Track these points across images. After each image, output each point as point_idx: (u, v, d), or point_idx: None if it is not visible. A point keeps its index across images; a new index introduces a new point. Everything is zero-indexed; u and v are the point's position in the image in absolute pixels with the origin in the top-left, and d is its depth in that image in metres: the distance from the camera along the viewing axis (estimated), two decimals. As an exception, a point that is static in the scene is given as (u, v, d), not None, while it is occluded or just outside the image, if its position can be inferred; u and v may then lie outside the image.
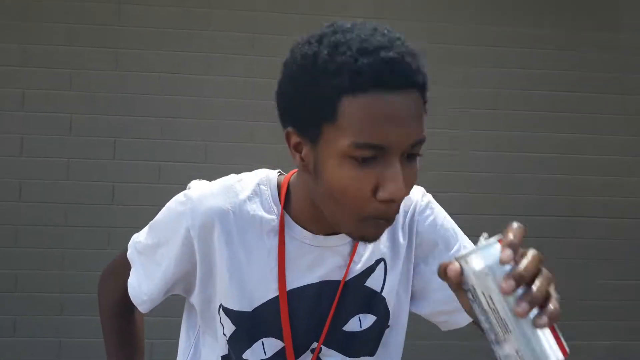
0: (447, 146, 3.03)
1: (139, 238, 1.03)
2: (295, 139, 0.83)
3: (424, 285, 1.02)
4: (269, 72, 2.90)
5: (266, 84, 2.90)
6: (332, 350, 0.96)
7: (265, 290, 0.93)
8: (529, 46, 3.09)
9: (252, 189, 0.94)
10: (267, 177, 0.96)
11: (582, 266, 3.12)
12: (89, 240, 2.84)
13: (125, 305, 1.10)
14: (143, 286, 1.01)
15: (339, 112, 0.75)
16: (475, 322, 0.72)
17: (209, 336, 1.00)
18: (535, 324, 0.64)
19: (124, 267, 1.06)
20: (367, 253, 0.97)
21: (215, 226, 0.91)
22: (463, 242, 1.02)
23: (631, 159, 3.14)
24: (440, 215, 1.03)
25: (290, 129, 0.83)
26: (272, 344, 0.94)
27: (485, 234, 0.71)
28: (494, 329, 0.67)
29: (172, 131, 2.88)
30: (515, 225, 0.68)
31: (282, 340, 0.93)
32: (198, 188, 0.95)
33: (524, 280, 0.64)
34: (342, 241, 0.94)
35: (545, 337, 0.64)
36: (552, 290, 0.66)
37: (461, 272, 0.68)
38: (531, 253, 0.66)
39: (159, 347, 2.61)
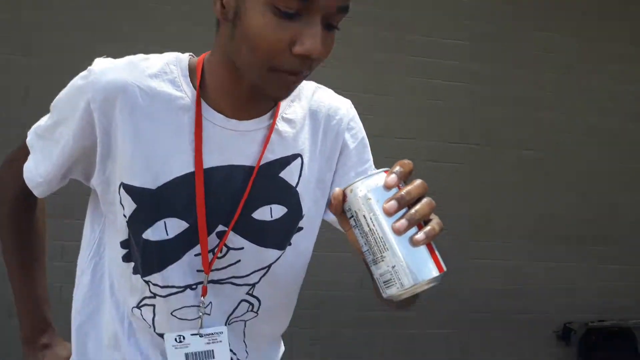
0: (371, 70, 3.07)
1: (40, 122, 0.99)
2: None
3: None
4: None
5: None
6: (238, 236, 0.94)
7: (170, 167, 0.90)
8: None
9: (160, 67, 0.91)
10: (176, 57, 0.93)
11: (492, 192, 3.35)
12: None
13: (25, 199, 1.05)
14: (40, 167, 0.97)
15: None
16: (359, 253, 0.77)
17: (112, 226, 0.96)
18: (412, 241, 0.68)
19: (23, 155, 1.00)
20: (282, 143, 0.97)
21: (118, 98, 0.87)
22: (368, 161, 1.06)
23: (544, 95, 3.32)
24: (363, 131, 1.07)
25: None
26: (175, 225, 0.91)
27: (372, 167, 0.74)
28: (372, 250, 0.70)
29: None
30: (405, 160, 0.73)
31: (186, 220, 0.90)
32: (101, 62, 0.91)
33: (405, 202, 0.69)
34: (255, 126, 0.94)
35: (422, 254, 0.68)
36: (433, 215, 0.71)
37: (344, 200, 0.72)
38: (417, 181, 0.71)
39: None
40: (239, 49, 0.82)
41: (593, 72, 3.36)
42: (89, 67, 0.90)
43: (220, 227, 0.93)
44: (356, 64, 3.05)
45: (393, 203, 0.68)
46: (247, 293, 1.00)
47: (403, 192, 0.69)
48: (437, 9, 3.13)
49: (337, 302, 3.11)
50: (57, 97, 0.94)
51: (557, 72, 3.33)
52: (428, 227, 0.69)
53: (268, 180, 0.95)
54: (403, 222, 0.68)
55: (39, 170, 0.97)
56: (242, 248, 0.96)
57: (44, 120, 0.97)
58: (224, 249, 0.95)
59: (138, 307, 0.97)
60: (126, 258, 0.96)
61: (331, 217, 1.07)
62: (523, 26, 3.26)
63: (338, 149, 1.03)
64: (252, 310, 1.01)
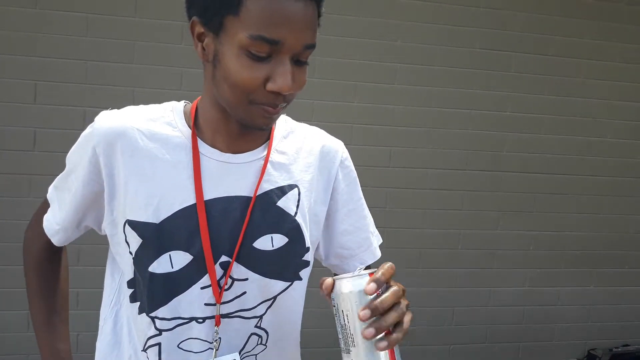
0: (370, 100, 3.09)
1: (58, 177, 1.05)
2: (199, 29, 0.90)
3: (330, 226, 1.10)
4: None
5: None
6: (241, 266, 0.96)
7: (172, 201, 0.94)
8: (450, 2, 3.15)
9: (157, 112, 0.99)
10: (172, 105, 1.02)
11: (499, 218, 3.31)
12: (10, 187, 2.74)
13: (49, 253, 1.11)
14: (57, 216, 1.03)
15: (242, 6, 0.83)
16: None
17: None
18: (376, 347, 0.75)
19: (45, 210, 1.07)
20: (278, 173, 1.01)
21: (119, 142, 0.94)
22: (359, 200, 1.13)
23: (549, 118, 3.31)
24: (354, 171, 1.13)
25: (195, 18, 0.89)
26: (180, 257, 0.93)
27: (361, 266, 0.86)
28: (343, 339, 0.79)
29: (98, 75, 2.78)
30: (387, 264, 0.79)
31: (189, 252, 0.93)
32: (105, 113, 0.99)
33: (377, 312, 0.75)
34: (250, 158, 0.99)
35: (382, 357, 0.77)
36: (405, 320, 0.78)
37: (332, 288, 0.80)
38: (392, 289, 0.77)
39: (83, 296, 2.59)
40: (220, 87, 0.90)
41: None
42: (95, 118, 0.98)
43: (224, 258, 0.96)
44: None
45: (367, 312, 0.74)
46: (256, 326, 1.00)
47: (377, 302, 0.75)
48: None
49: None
50: (71, 149, 1.01)
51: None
52: (393, 336, 0.76)
53: (266, 209, 0.98)
54: (371, 330, 0.74)
55: (55, 219, 1.03)
56: (247, 279, 0.97)
57: (60, 174, 1.04)
58: (229, 281, 0.96)
59: (144, 349, 0.97)
60: (132, 298, 0.98)
61: (321, 249, 1.13)
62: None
63: (331, 185, 1.07)
64: (261, 343, 1.01)
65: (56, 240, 1.05)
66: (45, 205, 1.07)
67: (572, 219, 3.38)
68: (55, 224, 1.04)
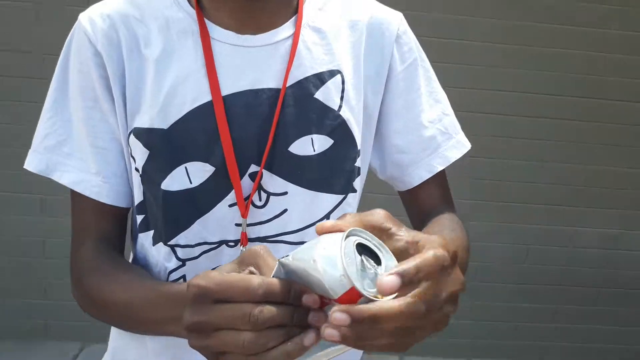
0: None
1: (38, 139, 0.82)
2: None
3: (383, 124, 0.87)
4: None
5: None
6: (276, 177, 0.77)
7: (182, 100, 0.76)
8: None
9: None
10: None
11: (591, 149, 2.95)
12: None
13: (105, 252, 0.81)
14: (91, 165, 0.79)
15: None
16: None
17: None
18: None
19: (76, 223, 0.82)
20: (313, 56, 0.80)
21: (118, 33, 0.77)
22: (421, 88, 0.87)
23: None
24: (417, 49, 0.90)
25: None
26: (199, 170, 0.75)
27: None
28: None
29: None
30: (429, 254, 0.50)
31: (210, 163, 0.75)
32: (87, 11, 0.80)
33: (405, 287, 0.47)
34: (274, 38, 0.78)
35: None
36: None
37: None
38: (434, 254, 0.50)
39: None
40: None
41: None
42: (78, 19, 0.80)
43: (253, 168, 0.77)
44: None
45: (394, 279, 0.46)
46: None
47: (412, 267, 0.49)
48: None
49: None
50: (51, 88, 0.81)
51: None
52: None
53: (301, 103, 0.78)
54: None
55: (91, 168, 0.80)
56: (286, 193, 0.77)
57: (42, 129, 0.82)
58: (264, 196, 0.76)
59: None
60: (144, 226, 0.79)
61: (373, 159, 0.90)
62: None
63: (385, 67, 0.86)
64: None
65: (105, 197, 0.80)
66: (74, 222, 0.82)
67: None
68: (93, 174, 0.79)
